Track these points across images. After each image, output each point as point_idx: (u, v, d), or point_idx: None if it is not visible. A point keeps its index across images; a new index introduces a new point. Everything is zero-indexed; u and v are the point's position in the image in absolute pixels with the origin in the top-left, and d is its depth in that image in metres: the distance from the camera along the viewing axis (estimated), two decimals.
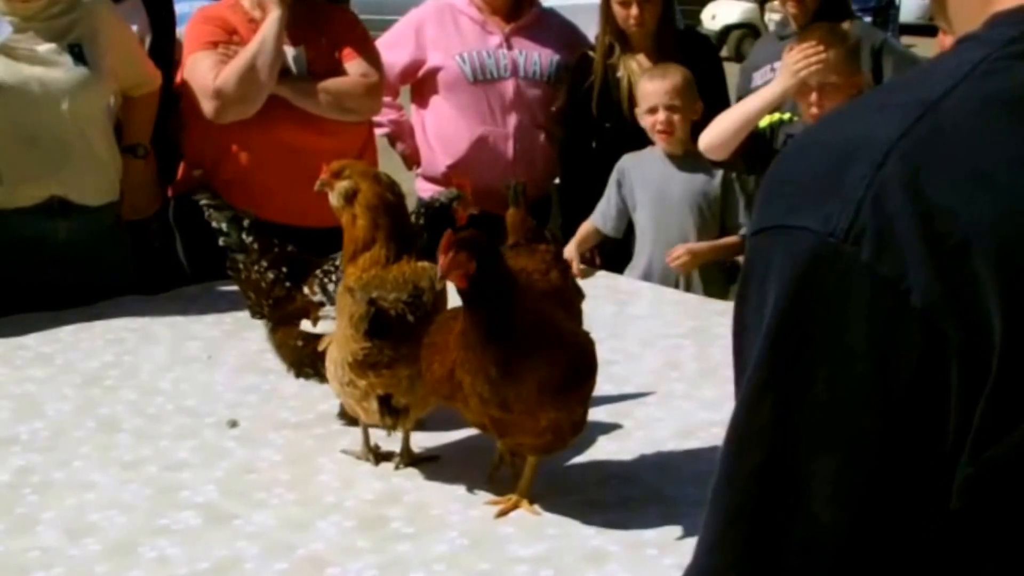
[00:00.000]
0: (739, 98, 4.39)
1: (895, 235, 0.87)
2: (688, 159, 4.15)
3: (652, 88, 4.11)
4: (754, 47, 5.30)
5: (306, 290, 2.77)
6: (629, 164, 4.24)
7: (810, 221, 0.90)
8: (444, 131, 4.58)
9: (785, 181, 0.97)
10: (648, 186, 4.17)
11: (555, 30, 4.74)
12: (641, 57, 4.45)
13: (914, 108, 0.91)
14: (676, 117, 4.09)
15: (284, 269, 2.83)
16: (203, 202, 2.92)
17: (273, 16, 3.87)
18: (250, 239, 2.87)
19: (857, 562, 0.91)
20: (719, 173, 4.12)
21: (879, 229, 0.87)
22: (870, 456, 0.89)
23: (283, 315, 2.80)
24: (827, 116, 1.03)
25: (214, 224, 2.89)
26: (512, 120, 4.57)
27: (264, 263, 2.84)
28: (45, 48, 3.60)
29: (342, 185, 2.63)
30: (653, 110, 4.11)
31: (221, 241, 2.90)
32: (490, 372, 2.31)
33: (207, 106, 3.92)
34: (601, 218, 4.25)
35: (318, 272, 2.78)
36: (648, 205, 4.17)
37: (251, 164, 3.99)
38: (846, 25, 4.26)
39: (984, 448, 0.87)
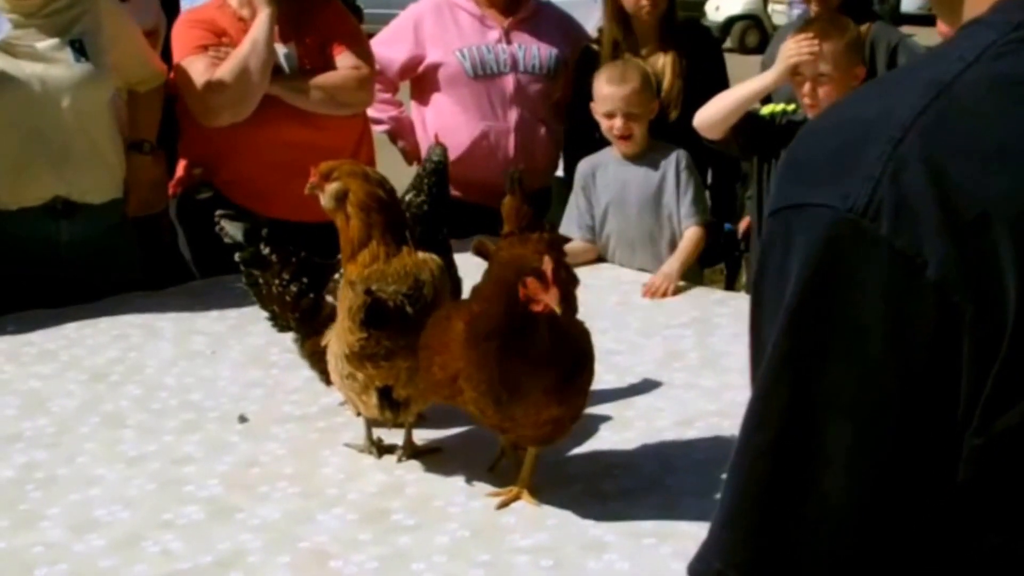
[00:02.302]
0: None
1: (912, 210, 0.89)
2: (645, 157, 4.16)
3: (610, 93, 4.09)
4: (772, 41, 5.30)
5: (329, 298, 2.73)
6: (589, 168, 4.24)
7: (829, 198, 0.93)
8: (445, 127, 4.57)
9: (804, 161, 0.99)
10: (607, 189, 4.18)
11: (553, 23, 4.75)
12: (645, 52, 4.46)
13: (929, 88, 0.94)
14: (634, 124, 4.09)
15: (305, 280, 2.77)
16: (216, 214, 2.88)
17: (263, 16, 3.88)
18: (267, 250, 2.79)
19: (869, 536, 0.92)
20: (673, 168, 4.11)
21: (897, 204, 0.90)
22: (884, 430, 0.91)
23: (312, 326, 2.75)
24: (844, 98, 1.06)
25: (227, 240, 2.81)
26: (513, 115, 4.58)
27: (286, 276, 2.77)
28: (46, 44, 3.59)
29: (332, 187, 2.63)
30: (611, 115, 4.11)
31: (236, 257, 2.81)
32: (501, 397, 2.33)
33: (201, 110, 3.94)
34: (577, 227, 4.22)
35: (336, 276, 2.75)
36: (609, 207, 4.18)
37: (249, 163, 4.00)
38: (864, 28, 4.27)
39: (993, 419, 0.89)
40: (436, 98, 4.64)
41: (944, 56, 0.98)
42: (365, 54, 4.14)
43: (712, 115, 3.98)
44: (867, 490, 0.92)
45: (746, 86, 4.03)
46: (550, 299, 2.24)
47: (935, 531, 0.92)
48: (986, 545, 0.92)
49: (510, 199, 2.78)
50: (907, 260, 0.89)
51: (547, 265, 2.25)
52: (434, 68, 4.58)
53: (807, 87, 3.84)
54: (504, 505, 2.46)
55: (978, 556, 0.92)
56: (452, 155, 4.48)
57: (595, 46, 4.55)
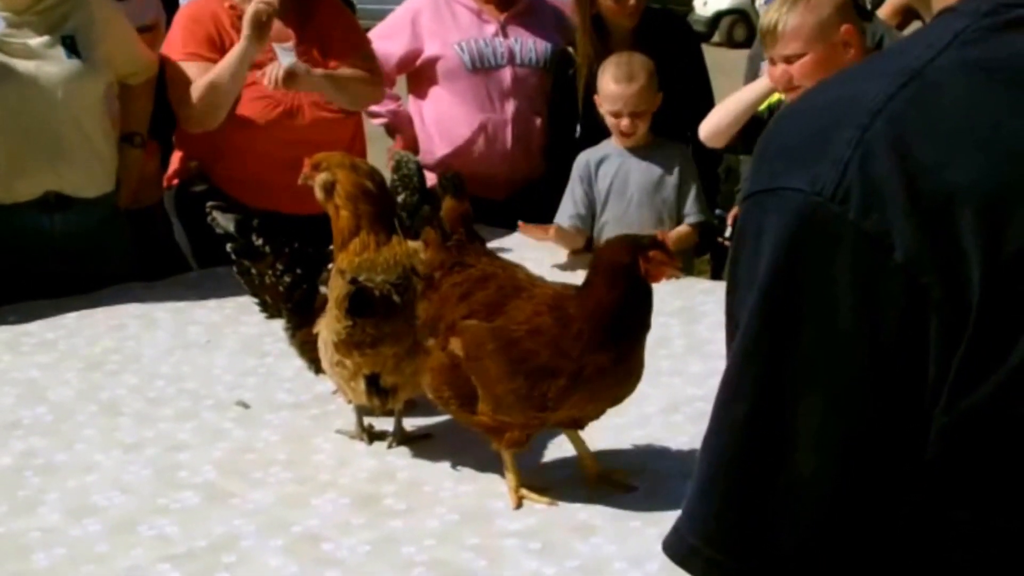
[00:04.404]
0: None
1: (880, 193, 0.91)
2: (646, 151, 4.19)
3: (617, 92, 4.09)
4: (759, 36, 5.30)
5: (323, 288, 2.75)
6: (589, 158, 4.26)
7: (799, 182, 0.94)
8: (443, 120, 4.61)
9: (775, 146, 1.01)
10: (607, 179, 4.20)
11: (548, 17, 4.79)
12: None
13: (899, 75, 0.95)
14: (639, 121, 4.11)
15: (298, 270, 2.80)
16: (208, 205, 2.91)
17: (241, 45, 3.92)
18: (260, 242, 2.81)
19: (838, 510, 0.94)
20: (677, 163, 4.16)
21: (865, 188, 0.91)
22: (853, 406, 0.93)
23: (304, 316, 2.78)
24: (816, 85, 1.07)
25: (219, 230, 2.85)
26: (510, 107, 4.61)
27: (280, 266, 2.79)
28: (38, 41, 3.62)
29: (320, 178, 2.67)
30: (617, 113, 4.12)
31: (229, 247, 2.84)
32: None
33: (180, 117, 4.03)
34: (568, 218, 4.23)
35: (330, 266, 2.77)
36: (609, 197, 4.20)
37: (243, 159, 4.03)
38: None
39: (959, 399, 0.90)
40: (434, 91, 4.66)
41: (915, 44, 1.00)
42: (372, 52, 4.23)
43: (716, 126, 3.97)
44: (838, 465, 0.94)
45: (747, 93, 4.01)
46: (675, 266, 2.35)
47: (907, 507, 0.94)
48: (956, 521, 0.93)
49: (455, 203, 2.61)
50: (875, 243, 0.91)
51: (663, 235, 2.35)
52: (432, 62, 4.60)
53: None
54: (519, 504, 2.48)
55: (950, 532, 0.94)
56: (451, 148, 4.57)
57: (571, 49, 4.57)
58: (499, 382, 2.39)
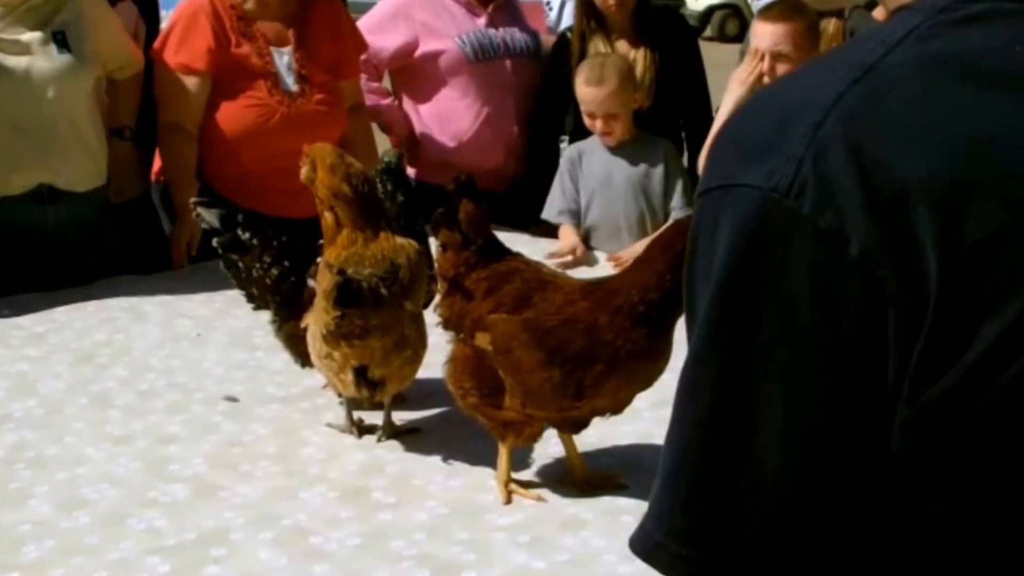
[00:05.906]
0: None
1: (834, 189, 0.91)
2: (631, 146, 4.21)
3: (588, 94, 4.12)
4: (750, 32, 5.33)
5: (311, 282, 2.75)
6: (576, 153, 4.28)
7: (754, 178, 0.94)
8: (445, 114, 4.59)
9: (731, 142, 1.01)
10: (593, 175, 4.22)
11: (521, 11, 4.89)
12: (622, 43, 4.50)
13: (852, 70, 0.95)
14: (614, 122, 4.14)
15: (286, 263, 2.80)
16: (191, 201, 2.91)
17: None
18: (247, 235, 2.81)
19: (803, 503, 0.94)
20: (662, 158, 4.18)
21: (819, 183, 0.91)
22: (814, 400, 0.93)
23: (292, 309, 2.78)
24: (772, 83, 1.09)
25: (204, 225, 2.85)
26: (512, 97, 4.61)
27: (267, 259, 2.80)
28: (28, 37, 3.63)
29: (303, 172, 2.67)
30: (591, 115, 4.15)
31: (215, 242, 2.84)
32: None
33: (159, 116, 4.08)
34: (557, 212, 4.26)
35: (319, 260, 2.74)
36: (595, 193, 4.23)
37: (239, 162, 4.00)
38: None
39: (921, 391, 0.90)
40: (432, 86, 4.63)
41: (869, 40, 1.00)
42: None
43: None
44: (802, 457, 0.94)
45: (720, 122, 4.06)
46: None
47: (875, 500, 0.94)
48: (932, 516, 0.93)
49: (471, 207, 2.55)
50: (830, 237, 0.91)
51: None
52: (432, 56, 4.56)
53: (767, 66, 3.89)
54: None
55: (926, 527, 0.94)
56: (454, 141, 4.55)
57: (569, 34, 4.59)
58: (532, 373, 2.36)
